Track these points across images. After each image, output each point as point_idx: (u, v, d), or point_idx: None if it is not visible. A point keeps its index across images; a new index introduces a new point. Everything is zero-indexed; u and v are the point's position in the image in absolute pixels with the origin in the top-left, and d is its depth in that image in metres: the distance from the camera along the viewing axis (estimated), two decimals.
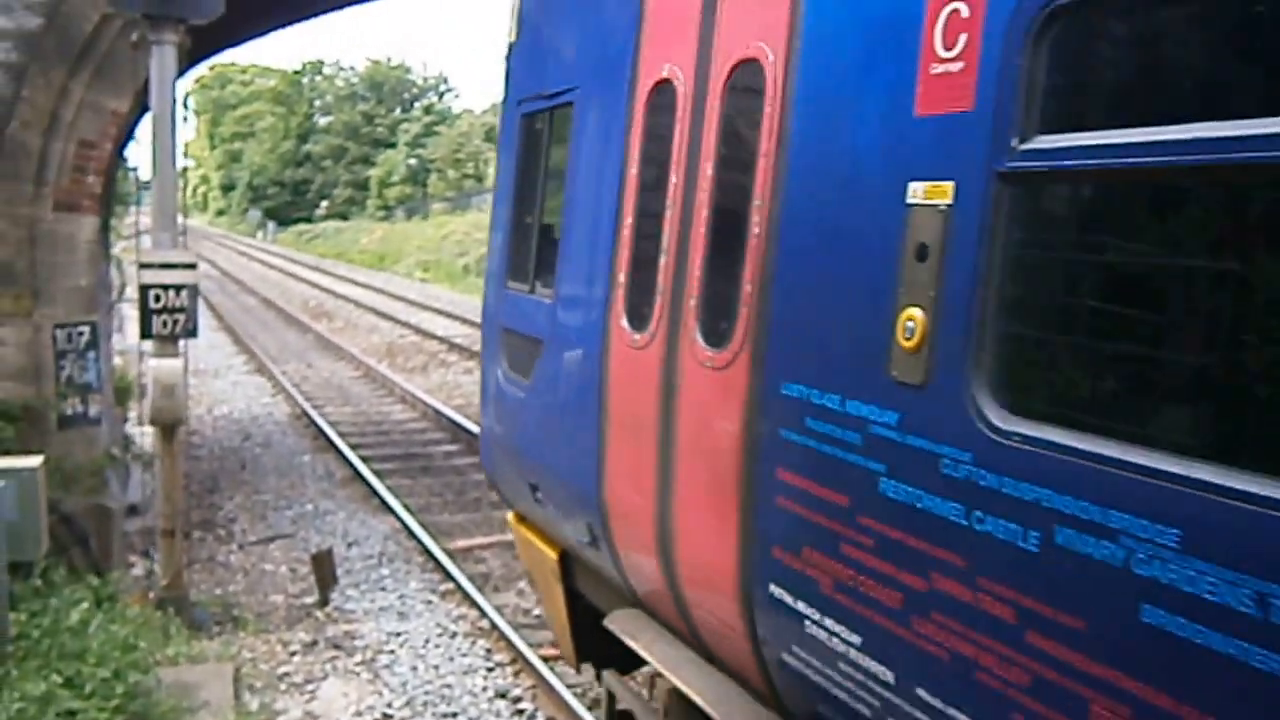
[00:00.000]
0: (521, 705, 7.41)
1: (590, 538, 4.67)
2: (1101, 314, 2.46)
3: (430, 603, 9.17)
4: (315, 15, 15.64)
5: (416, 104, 75.79)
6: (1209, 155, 2.02)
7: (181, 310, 8.02)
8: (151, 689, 6.18)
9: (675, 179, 3.89)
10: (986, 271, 2.50)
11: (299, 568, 9.86)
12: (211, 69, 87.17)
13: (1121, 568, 2.11)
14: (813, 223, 3.19)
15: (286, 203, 78.05)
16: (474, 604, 8.95)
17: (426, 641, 8.37)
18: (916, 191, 2.73)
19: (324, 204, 74.94)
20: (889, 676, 2.86)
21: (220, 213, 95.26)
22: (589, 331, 4.48)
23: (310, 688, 7.51)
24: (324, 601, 8.98)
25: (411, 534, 10.70)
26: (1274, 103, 1.95)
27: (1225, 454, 2.01)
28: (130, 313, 9.52)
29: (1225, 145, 1.98)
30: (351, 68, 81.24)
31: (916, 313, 2.69)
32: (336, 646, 8.21)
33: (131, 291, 8.13)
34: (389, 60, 78.87)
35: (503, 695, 7.51)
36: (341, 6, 15.30)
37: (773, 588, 3.34)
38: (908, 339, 2.72)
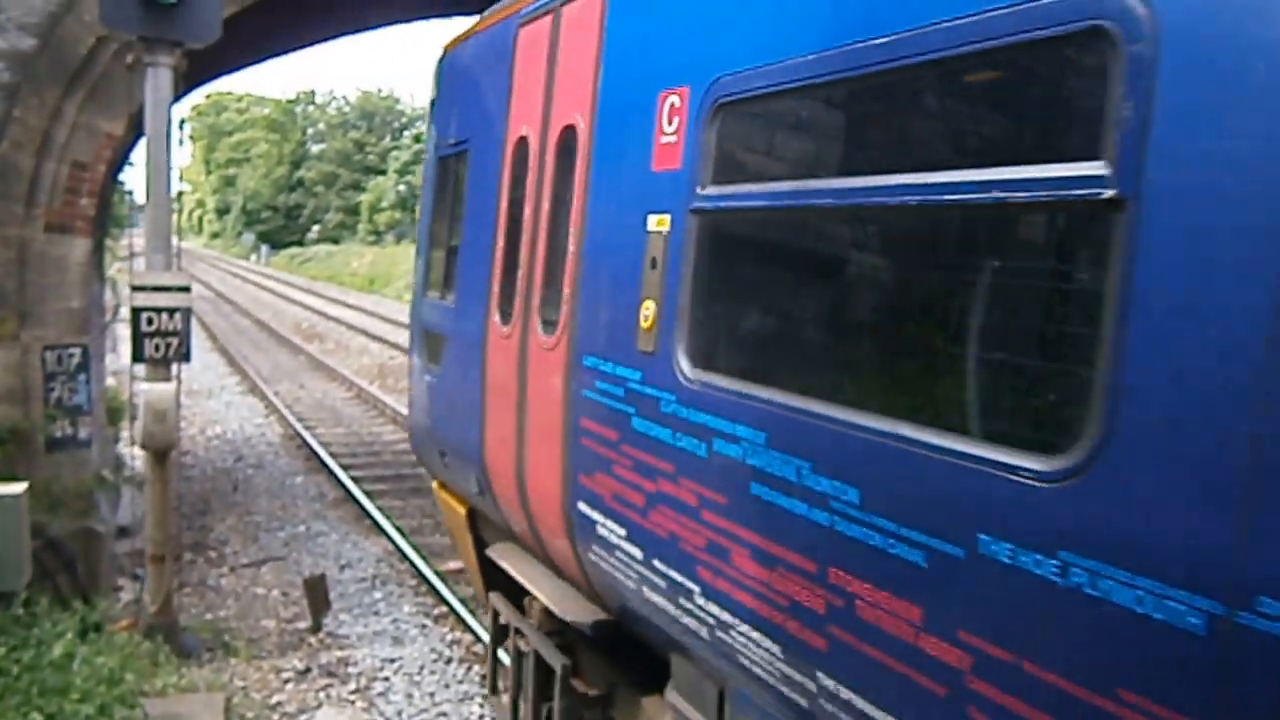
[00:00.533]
0: None
1: (479, 488, 5.60)
2: (747, 302, 3.70)
3: (424, 627, 8.78)
4: (309, 45, 15.31)
5: (406, 132, 75.50)
6: (796, 202, 3.30)
7: (175, 334, 7.63)
8: None
9: (528, 211, 4.88)
10: (685, 275, 3.66)
11: (291, 591, 9.43)
12: (208, 96, 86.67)
13: (741, 461, 3.34)
14: (601, 245, 4.26)
15: (280, 227, 77.48)
16: (468, 628, 8.57)
17: (421, 668, 7.98)
18: (652, 222, 3.86)
19: (316, 228, 74.41)
20: (640, 555, 3.98)
21: (215, 235, 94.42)
22: (475, 327, 5.44)
23: (303, 718, 7.09)
24: (317, 627, 8.56)
25: (404, 556, 10.29)
26: (823, 171, 3.32)
27: (805, 388, 3.19)
28: (125, 333, 9.17)
29: (804, 195, 3.26)
30: (344, 97, 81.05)
31: (650, 304, 3.84)
32: (330, 674, 7.80)
33: (126, 312, 7.82)
34: (379, 90, 78.80)
35: None
36: (333, 37, 14.99)
37: (580, 504, 4.38)
38: (645, 323, 3.86)
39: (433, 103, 6.73)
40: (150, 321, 7.49)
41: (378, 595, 9.48)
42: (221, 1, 7.76)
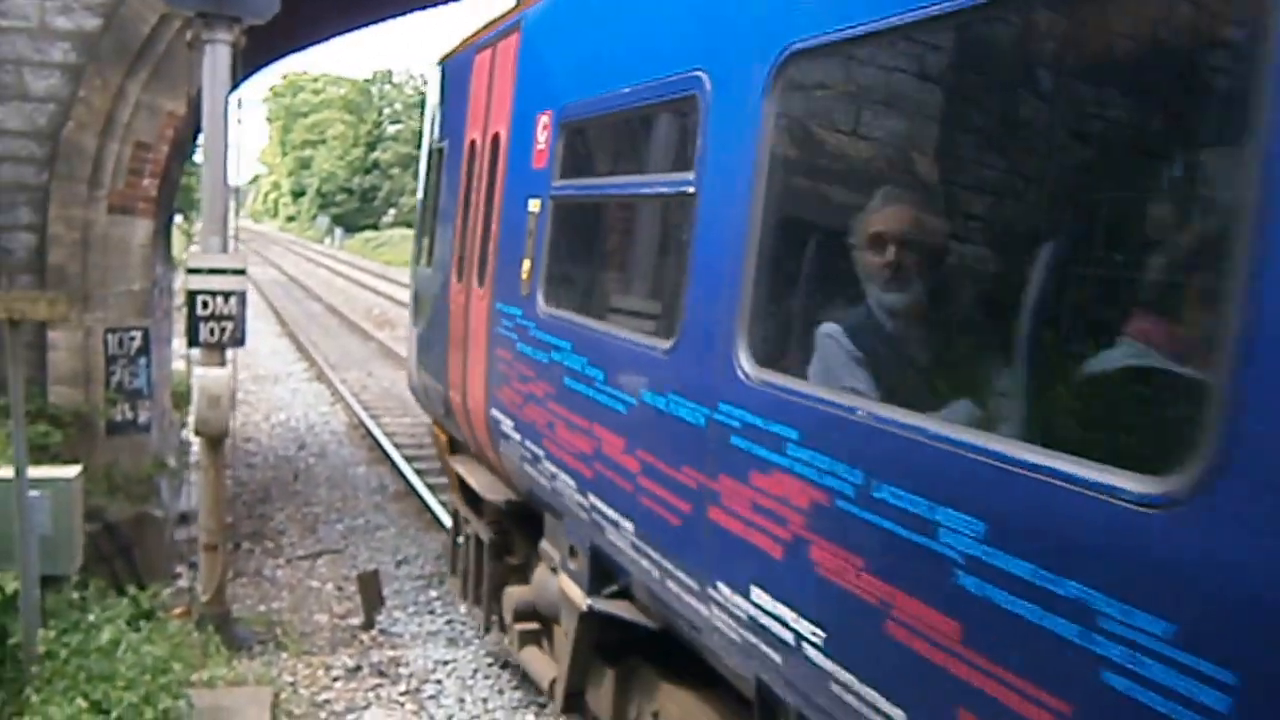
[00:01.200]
0: None
1: (445, 410, 7.64)
2: (568, 258, 5.59)
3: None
4: (378, 21, 15.61)
5: None
6: (589, 191, 5.39)
7: (230, 318, 7.86)
8: (183, 715, 5.96)
9: (473, 198, 6.88)
10: (546, 242, 5.49)
11: (346, 585, 9.65)
12: (284, 77, 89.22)
13: (561, 364, 5.14)
14: (507, 222, 6.19)
15: (354, 209, 79.32)
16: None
17: (475, 672, 8.06)
18: (532, 205, 5.73)
19: (391, 211, 75.98)
20: (519, 439, 5.84)
21: (290, 219, 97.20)
22: (442, 286, 7.57)
23: (351, 718, 7.25)
24: (369, 624, 8.74)
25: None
26: (600, 173, 5.54)
27: (592, 313, 5.14)
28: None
29: (590, 187, 5.41)
30: (421, 76, 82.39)
31: (527, 263, 5.69)
32: (381, 673, 7.94)
33: None
34: None
35: None
36: (402, 12, 15.25)
37: (493, 410, 6.28)
38: (524, 275, 5.71)
39: (426, 106, 8.93)
40: (205, 305, 7.73)
41: (434, 594, 9.63)
42: None
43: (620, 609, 5.05)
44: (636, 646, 5.23)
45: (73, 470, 6.23)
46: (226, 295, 7.86)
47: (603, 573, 5.11)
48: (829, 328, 3.41)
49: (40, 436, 7.85)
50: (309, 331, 27.75)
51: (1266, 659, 1.82)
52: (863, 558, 2.97)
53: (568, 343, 5.12)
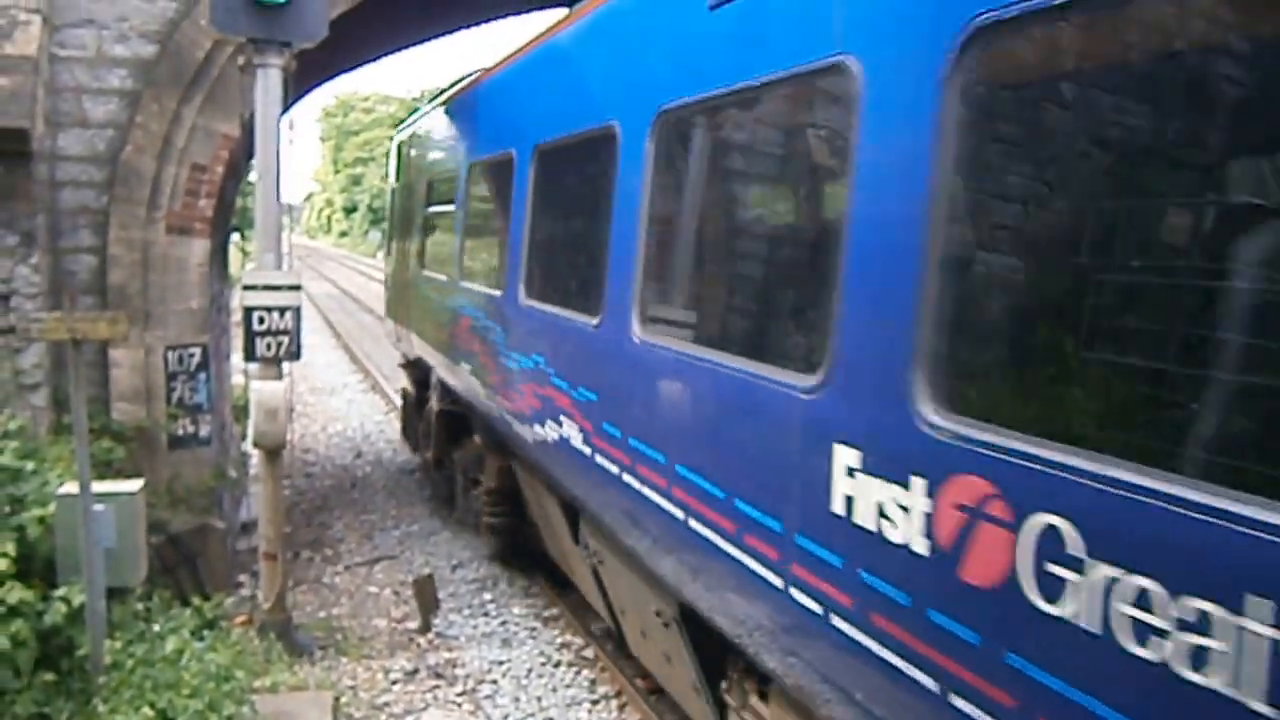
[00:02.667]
0: None
1: (399, 340, 13.02)
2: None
3: (534, 629, 8.83)
4: (423, 41, 15.67)
5: None
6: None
7: (285, 333, 7.88)
8: None
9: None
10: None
11: (403, 590, 9.65)
12: (336, 98, 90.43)
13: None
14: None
15: None
16: (578, 630, 8.59)
17: (529, 671, 8.03)
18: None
19: None
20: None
21: (343, 234, 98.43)
22: (401, 267, 13.04)
23: (410, 719, 7.23)
24: (426, 627, 8.73)
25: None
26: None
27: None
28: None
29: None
30: None
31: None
32: (438, 675, 7.93)
33: None
34: None
35: None
36: (446, 32, 15.29)
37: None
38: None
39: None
40: (261, 320, 7.76)
41: (488, 596, 9.60)
42: (328, 1, 7.97)
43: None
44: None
45: (135, 484, 6.26)
46: (282, 310, 7.88)
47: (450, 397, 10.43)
48: None
49: (104, 453, 7.93)
50: (362, 342, 27.97)
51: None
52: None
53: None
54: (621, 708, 7.43)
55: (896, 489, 2.96)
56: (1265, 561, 1.96)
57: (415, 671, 7.97)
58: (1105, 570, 2.28)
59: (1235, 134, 2.29)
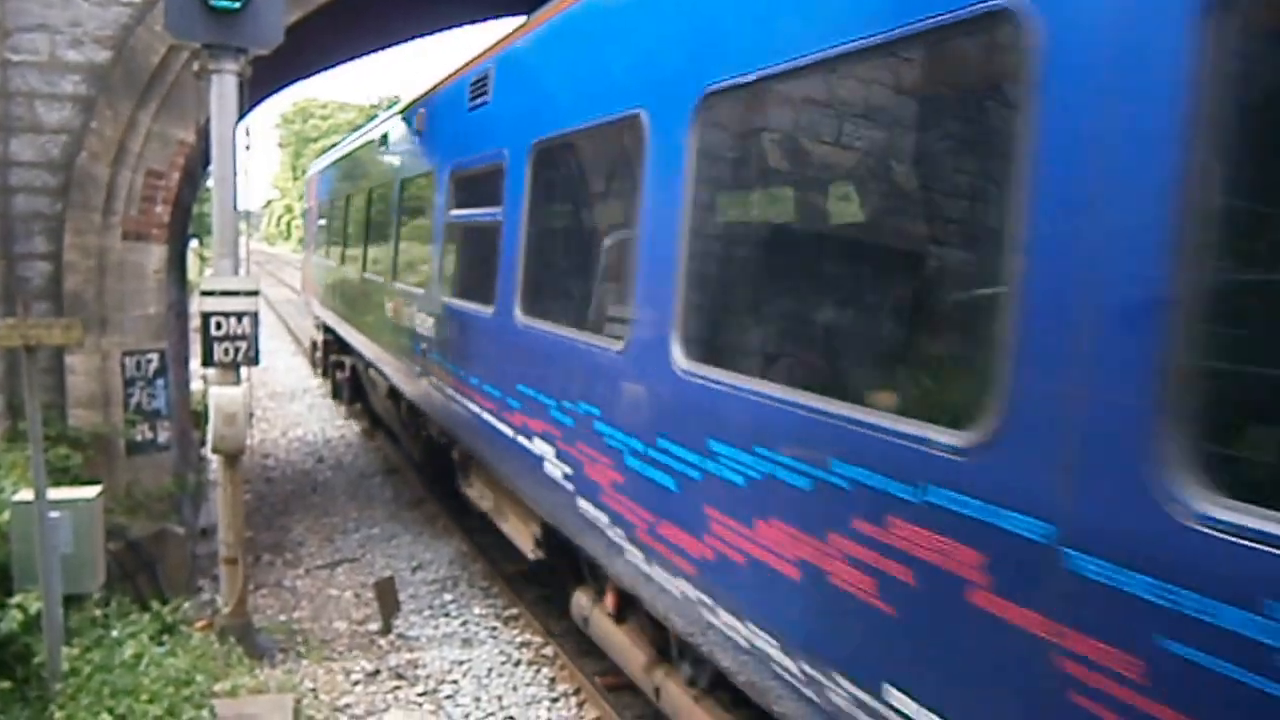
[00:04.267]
0: None
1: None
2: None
3: (494, 629, 8.80)
4: (381, 48, 15.56)
5: None
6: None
7: (243, 338, 7.78)
8: None
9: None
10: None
11: (364, 592, 9.57)
12: (295, 104, 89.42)
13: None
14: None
15: None
16: (538, 630, 8.57)
17: (490, 670, 8.00)
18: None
19: None
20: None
21: (302, 241, 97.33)
22: (322, 260, 16.65)
23: (371, 719, 7.17)
24: (387, 629, 8.66)
25: (476, 555, 10.37)
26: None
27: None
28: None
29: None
30: None
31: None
32: (399, 676, 7.87)
33: None
34: None
35: None
36: (405, 39, 15.20)
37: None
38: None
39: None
40: (219, 326, 7.66)
41: (449, 597, 9.55)
42: (284, 7, 7.89)
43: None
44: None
45: (93, 490, 6.16)
46: (239, 316, 7.78)
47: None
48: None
49: (61, 459, 7.78)
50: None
51: None
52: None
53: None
54: (580, 705, 7.43)
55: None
56: None
57: (376, 673, 7.91)
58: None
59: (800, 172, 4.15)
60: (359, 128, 17.43)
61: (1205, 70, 2.06)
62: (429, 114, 9.76)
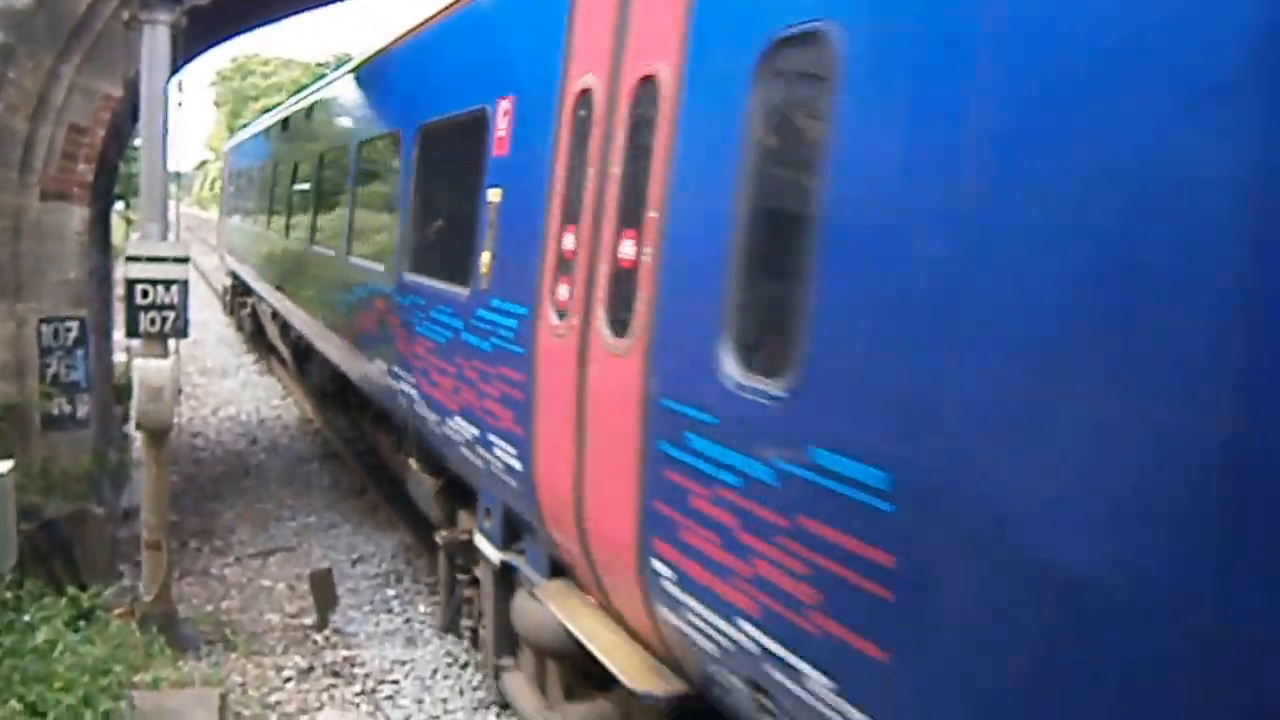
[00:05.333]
0: None
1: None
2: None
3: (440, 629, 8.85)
4: (328, 3, 15.41)
5: None
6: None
7: (171, 307, 7.75)
8: (124, 717, 5.89)
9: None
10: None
11: (299, 585, 9.57)
12: (233, 60, 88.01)
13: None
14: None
15: None
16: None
17: (434, 672, 8.03)
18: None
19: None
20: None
21: None
22: (251, 225, 19.92)
23: (304, 719, 7.21)
24: (323, 624, 8.68)
25: (422, 550, 10.40)
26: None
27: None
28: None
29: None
30: None
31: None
32: (335, 674, 7.90)
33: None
34: None
35: None
36: None
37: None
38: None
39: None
40: (145, 294, 7.62)
41: (391, 592, 9.58)
42: None
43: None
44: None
45: (3, 466, 6.13)
46: (168, 284, 7.75)
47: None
48: None
49: None
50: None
51: None
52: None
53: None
54: None
55: None
56: None
57: (310, 669, 7.93)
58: None
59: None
60: (301, 89, 20.06)
61: (413, 154, 7.51)
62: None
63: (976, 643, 2.70)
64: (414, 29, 8.44)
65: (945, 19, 2.89)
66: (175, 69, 8.00)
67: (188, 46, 8.51)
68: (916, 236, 2.90)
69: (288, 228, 14.76)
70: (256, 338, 21.81)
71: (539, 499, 5.42)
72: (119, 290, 11.41)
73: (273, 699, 7.41)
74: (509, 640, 6.73)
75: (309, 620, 8.84)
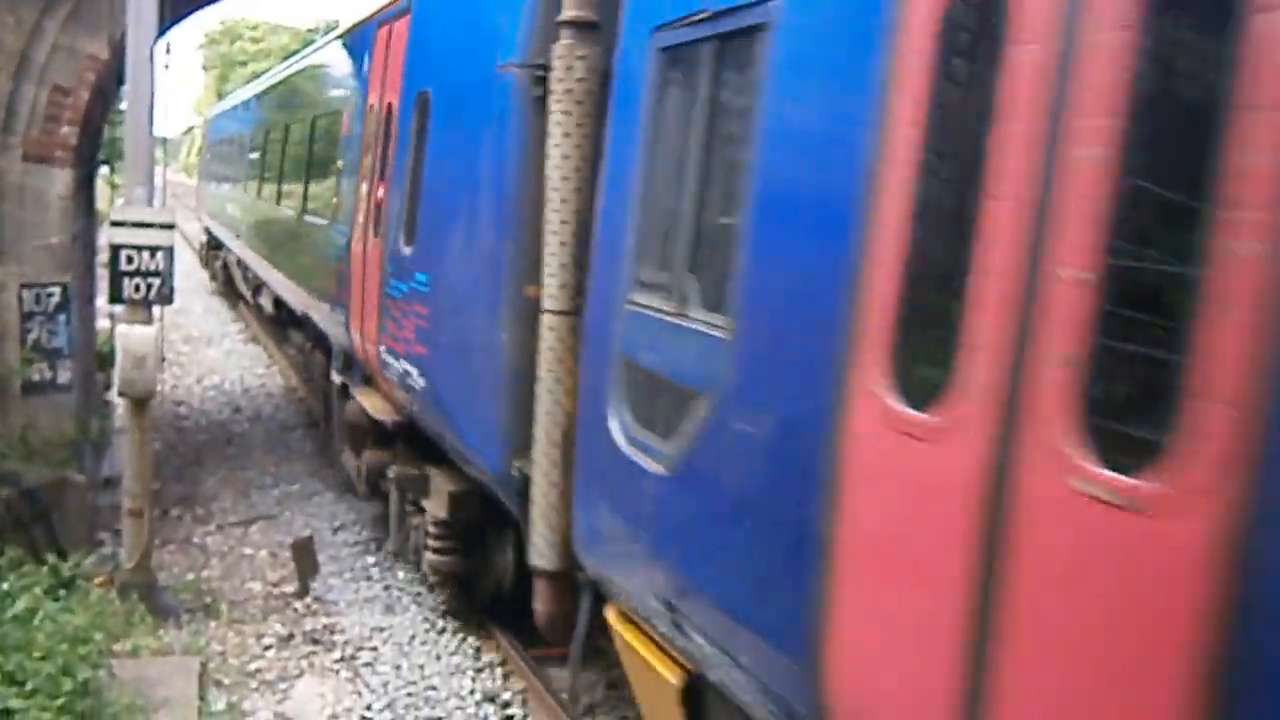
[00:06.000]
0: (510, 711, 7.11)
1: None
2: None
3: (419, 595, 8.87)
4: None
5: None
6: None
7: (156, 274, 7.69)
8: (104, 685, 5.90)
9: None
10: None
11: (280, 553, 9.57)
12: (221, 23, 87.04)
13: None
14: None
15: None
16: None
17: (412, 638, 8.07)
18: None
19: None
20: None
21: None
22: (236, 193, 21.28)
23: (283, 686, 7.23)
24: (304, 591, 8.70)
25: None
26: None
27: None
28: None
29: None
30: None
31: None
32: (315, 641, 7.92)
33: None
34: None
35: (491, 699, 7.22)
36: None
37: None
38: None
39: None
40: (130, 260, 7.56)
41: (370, 560, 9.60)
42: None
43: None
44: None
45: None
46: (153, 250, 7.69)
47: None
48: None
49: None
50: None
51: None
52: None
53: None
54: (506, 676, 7.55)
55: None
56: None
57: (290, 637, 7.95)
58: None
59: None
60: (291, 54, 20.89)
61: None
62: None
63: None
64: (299, 59, 15.63)
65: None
66: (163, 30, 7.90)
67: (174, 7, 8.42)
68: None
69: (245, 190, 19.15)
70: (230, 287, 24.65)
71: (352, 340, 8.96)
72: (102, 255, 11.34)
73: (252, 667, 7.43)
74: (343, 431, 10.00)
75: (290, 588, 8.85)
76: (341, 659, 7.68)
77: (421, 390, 7.10)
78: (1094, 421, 2.34)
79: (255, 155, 18.00)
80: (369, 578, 9.20)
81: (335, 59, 11.53)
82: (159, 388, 9.64)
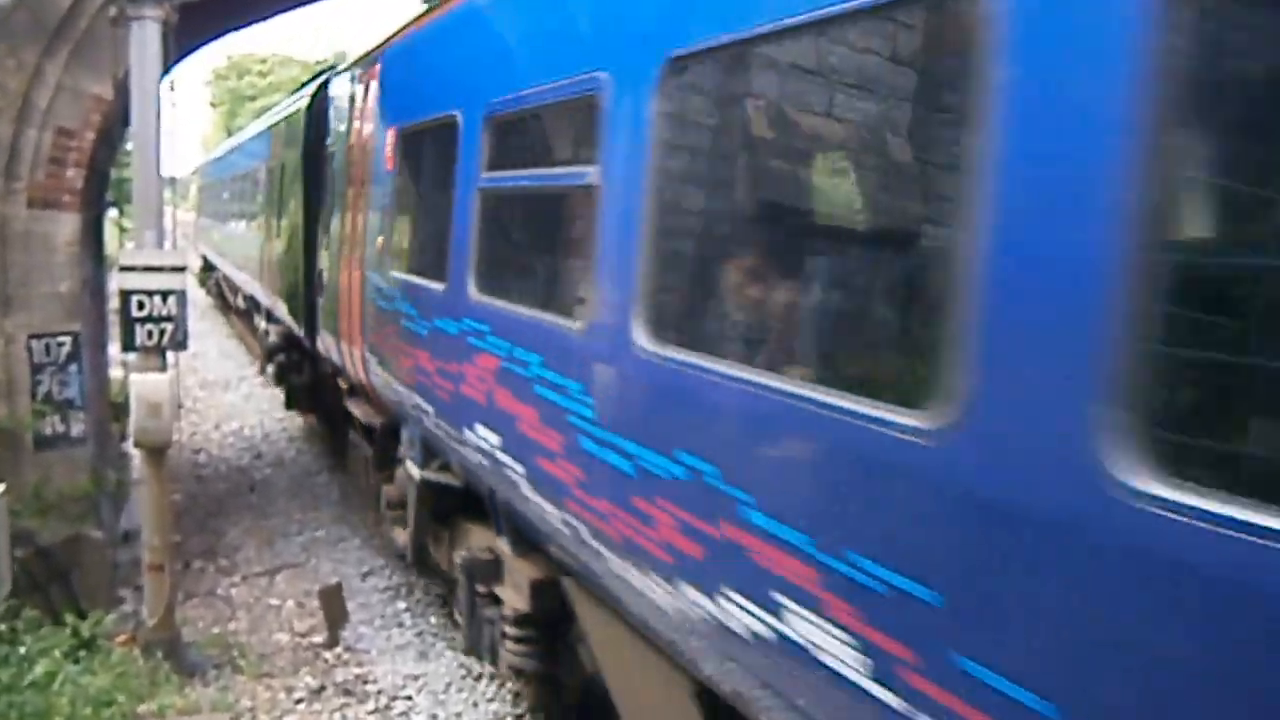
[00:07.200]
0: None
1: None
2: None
3: (453, 639, 8.74)
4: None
5: None
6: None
7: (169, 319, 7.65)
8: None
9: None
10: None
11: (308, 601, 9.48)
12: (228, 59, 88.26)
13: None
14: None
15: None
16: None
17: (448, 685, 7.96)
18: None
19: None
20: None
21: None
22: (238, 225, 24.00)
23: None
24: (334, 641, 8.59)
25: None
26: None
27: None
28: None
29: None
30: None
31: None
32: (347, 692, 7.81)
33: None
34: None
35: None
36: None
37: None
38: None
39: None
40: (141, 305, 7.52)
41: (401, 605, 9.49)
42: None
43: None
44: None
45: None
46: (165, 294, 7.65)
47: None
48: None
49: None
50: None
51: None
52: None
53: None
54: None
55: None
56: None
57: (322, 689, 7.84)
58: None
59: None
60: (298, 89, 21.45)
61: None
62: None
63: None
64: (267, 117, 17.55)
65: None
66: (167, 68, 7.89)
67: (179, 44, 8.40)
68: None
69: (229, 221, 24.43)
70: (222, 300, 29.55)
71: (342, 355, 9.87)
72: (113, 302, 11.35)
73: None
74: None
75: (319, 638, 8.74)
76: (375, 710, 7.56)
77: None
78: (359, 255, 9.21)
79: (227, 196, 25.19)
80: (400, 624, 9.08)
81: (262, 132, 16.23)
82: (176, 436, 9.60)
